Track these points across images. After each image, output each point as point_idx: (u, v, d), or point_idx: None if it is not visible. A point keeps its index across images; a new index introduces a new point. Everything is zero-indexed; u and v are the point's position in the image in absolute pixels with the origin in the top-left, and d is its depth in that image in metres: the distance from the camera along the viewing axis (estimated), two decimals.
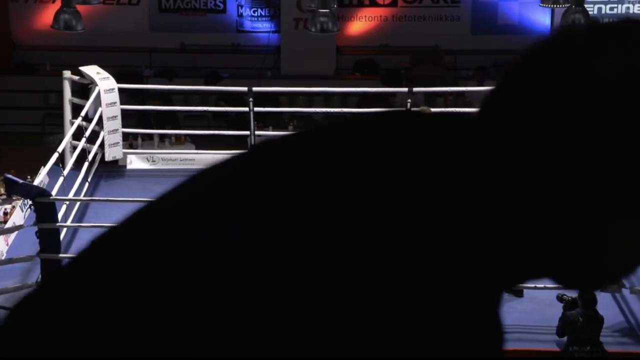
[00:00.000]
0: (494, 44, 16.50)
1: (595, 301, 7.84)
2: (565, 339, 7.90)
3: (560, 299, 8.01)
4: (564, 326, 7.84)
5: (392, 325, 0.90)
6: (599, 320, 7.81)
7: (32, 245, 8.87)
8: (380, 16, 16.72)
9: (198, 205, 0.96)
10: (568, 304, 7.88)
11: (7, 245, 9.58)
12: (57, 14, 12.30)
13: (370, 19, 16.73)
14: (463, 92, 14.34)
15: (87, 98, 12.01)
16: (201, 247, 0.92)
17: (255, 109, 12.15)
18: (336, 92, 14.47)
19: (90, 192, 11.44)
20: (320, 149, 0.98)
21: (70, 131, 11.39)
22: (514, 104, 0.92)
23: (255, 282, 0.90)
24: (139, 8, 16.47)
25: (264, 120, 14.00)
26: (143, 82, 15.32)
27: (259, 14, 16.61)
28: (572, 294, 8.00)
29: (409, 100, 12.18)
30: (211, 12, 16.61)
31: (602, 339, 7.88)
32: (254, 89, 12.25)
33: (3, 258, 9.24)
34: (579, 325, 7.74)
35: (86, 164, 11.22)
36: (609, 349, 8.00)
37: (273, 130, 13.71)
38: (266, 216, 0.93)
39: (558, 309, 8.16)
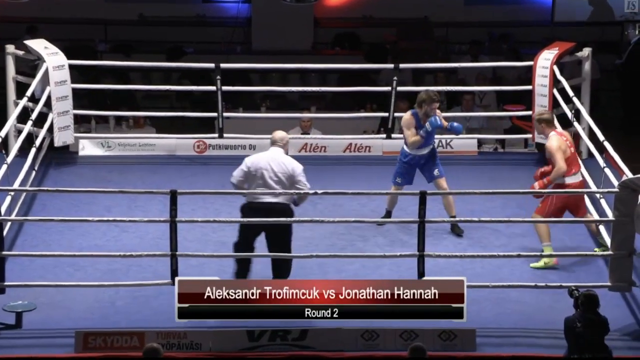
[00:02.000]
0: (489, 16, 16.51)
1: (596, 303, 7.82)
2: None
3: (570, 293, 8.00)
4: (564, 331, 7.85)
5: None
6: (601, 323, 7.79)
7: None
8: None
9: None
10: (577, 301, 7.87)
11: None
12: None
13: None
14: (455, 68, 14.32)
15: (33, 76, 11.93)
16: None
17: (224, 88, 12.11)
18: (314, 69, 14.40)
19: (37, 182, 11.37)
20: None
21: (14, 113, 11.29)
22: None
23: None
24: None
25: (233, 101, 13.95)
26: (97, 57, 15.24)
27: None
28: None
29: (395, 78, 12.15)
30: None
31: (610, 342, 7.87)
32: (222, 65, 12.19)
33: None
34: (577, 330, 7.75)
35: (33, 150, 11.17)
36: (618, 354, 7.99)
37: (243, 112, 13.66)
38: None
39: (561, 311, 8.15)
